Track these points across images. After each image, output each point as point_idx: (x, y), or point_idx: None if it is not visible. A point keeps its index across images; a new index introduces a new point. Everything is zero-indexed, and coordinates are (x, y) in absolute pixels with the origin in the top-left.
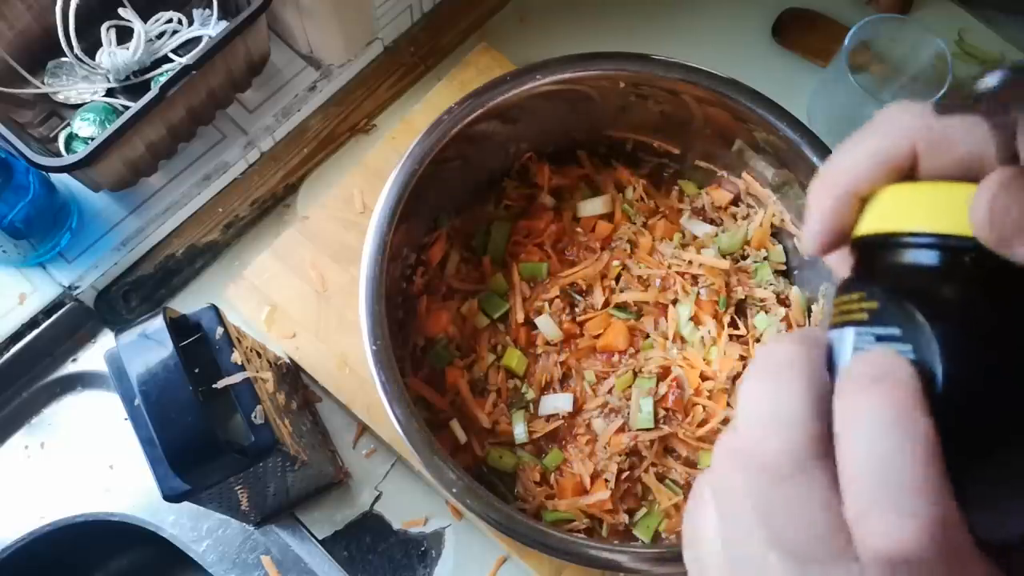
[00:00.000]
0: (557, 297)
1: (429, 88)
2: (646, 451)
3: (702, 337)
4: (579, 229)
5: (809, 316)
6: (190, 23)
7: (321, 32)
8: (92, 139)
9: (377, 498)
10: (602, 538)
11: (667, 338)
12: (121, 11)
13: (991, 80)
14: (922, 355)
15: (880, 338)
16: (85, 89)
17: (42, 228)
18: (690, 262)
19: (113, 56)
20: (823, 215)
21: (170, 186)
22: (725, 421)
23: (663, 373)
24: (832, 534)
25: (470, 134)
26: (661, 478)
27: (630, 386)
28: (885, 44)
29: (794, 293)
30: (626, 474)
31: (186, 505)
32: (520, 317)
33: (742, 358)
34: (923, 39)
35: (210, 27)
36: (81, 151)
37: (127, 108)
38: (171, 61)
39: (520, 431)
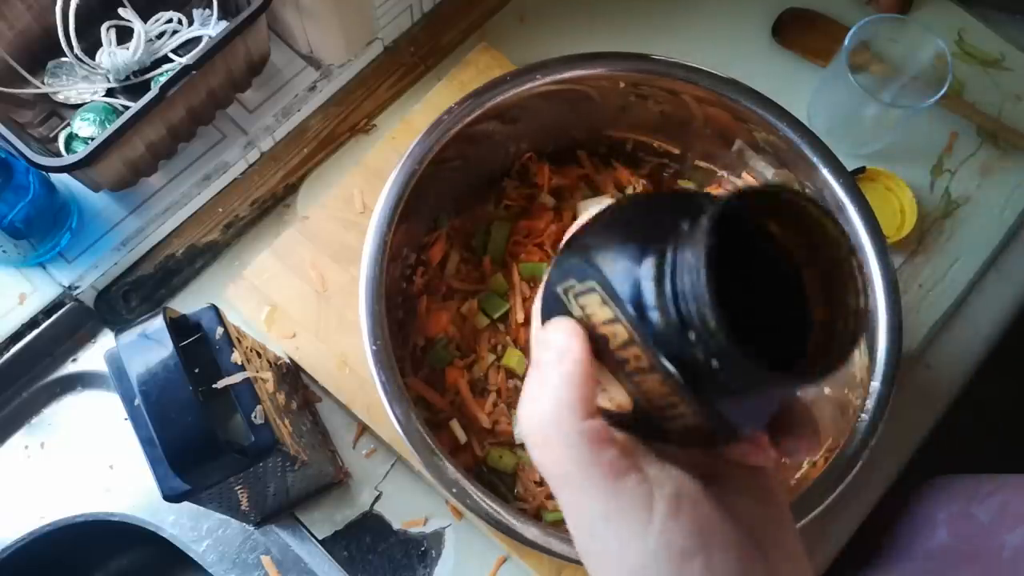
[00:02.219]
0: None
1: (429, 88)
2: None
3: None
4: None
5: None
6: (190, 23)
7: (321, 32)
8: (92, 139)
9: (377, 498)
10: None
11: None
12: (121, 11)
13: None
14: None
15: None
16: (85, 89)
17: (42, 228)
18: None
19: (113, 56)
20: None
21: (170, 186)
22: None
23: None
24: None
25: (470, 134)
26: None
27: None
28: (885, 44)
29: None
30: None
31: (186, 505)
32: (520, 317)
33: None
34: (923, 39)
35: (210, 27)
36: (81, 151)
37: (127, 108)
38: (171, 61)
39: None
